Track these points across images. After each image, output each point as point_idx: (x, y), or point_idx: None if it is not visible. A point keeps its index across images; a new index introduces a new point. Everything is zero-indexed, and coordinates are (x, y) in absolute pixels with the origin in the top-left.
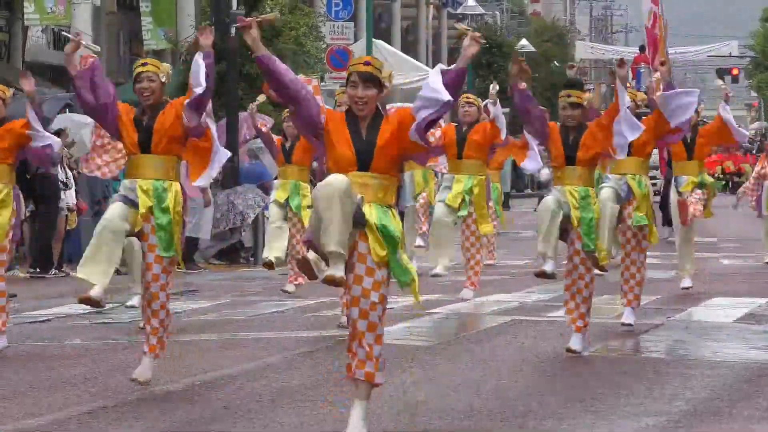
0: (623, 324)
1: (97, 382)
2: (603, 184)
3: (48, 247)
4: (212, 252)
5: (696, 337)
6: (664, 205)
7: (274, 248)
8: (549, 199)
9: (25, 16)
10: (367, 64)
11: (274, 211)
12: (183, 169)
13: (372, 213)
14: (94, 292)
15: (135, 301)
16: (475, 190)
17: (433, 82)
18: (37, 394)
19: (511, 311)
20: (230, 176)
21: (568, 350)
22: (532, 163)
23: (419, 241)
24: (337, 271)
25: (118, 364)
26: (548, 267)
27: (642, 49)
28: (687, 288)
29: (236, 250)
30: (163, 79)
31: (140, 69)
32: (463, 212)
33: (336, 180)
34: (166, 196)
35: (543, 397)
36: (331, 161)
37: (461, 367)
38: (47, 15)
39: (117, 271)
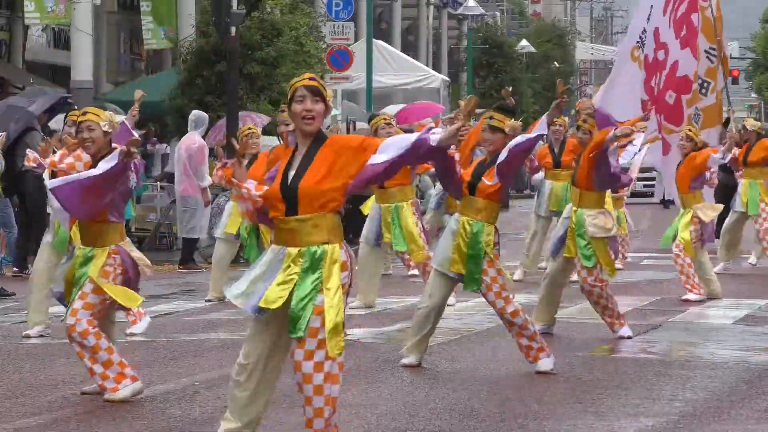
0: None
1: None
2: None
3: (27, 244)
4: (212, 252)
5: (695, 338)
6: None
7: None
8: None
9: (26, 16)
10: (312, 79)
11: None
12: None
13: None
14: None
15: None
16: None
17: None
18: (37, 394)
19: None
20: None
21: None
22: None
23: None
24: None
25: None
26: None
27: None
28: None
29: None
30: (105, 128)
31: (81, 118)
32: (400, 247)
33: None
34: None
35: (543, 397)
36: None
37: (461, 367)
38: (47, 14)
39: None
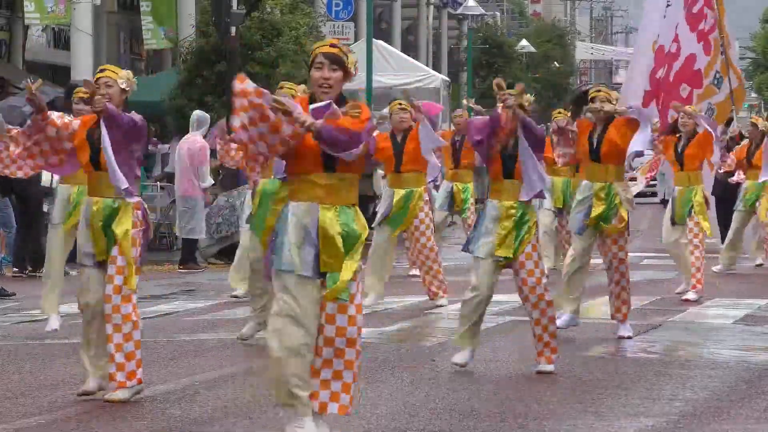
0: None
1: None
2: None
3: (26, 245)
4: (212, 252)
5: (695, 338)
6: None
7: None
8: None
9: (26, 16)
10: (333, 46)
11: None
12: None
13: (333, 223)
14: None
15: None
16: (414, 203)
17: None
18: (37, 394)
19: (511, 312)
20: (229, 176)
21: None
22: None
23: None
24: None
25: None
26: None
27: None
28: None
29: (236, 249)
30: (123, 85)
31: (98, 75)
32: (393, 226)
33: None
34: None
35: (543, 397)
36: (291, 158)
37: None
38: (47, 14)
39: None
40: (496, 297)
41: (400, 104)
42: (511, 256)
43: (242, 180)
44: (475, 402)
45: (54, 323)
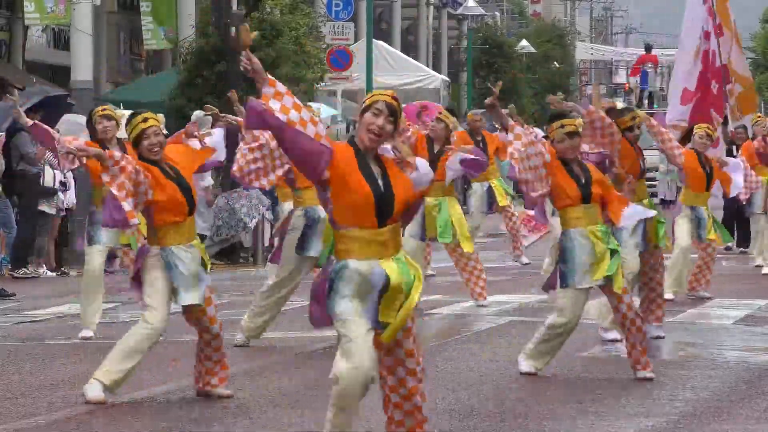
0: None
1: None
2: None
3: (24, 243)
4: (212, 252)
5: (696, 339)
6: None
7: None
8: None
9: (25, 16)
10: (394, 98)
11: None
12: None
13: (395, 274)
14: None
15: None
16: (451, 212)
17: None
18: (37, 394)
19: (511, 312)
20: (229, 176)
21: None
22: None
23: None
24: None
25: None
26: None
27: (648, 48)
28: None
29: (236, 250)
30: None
31: (142, 125)
32: (446, 239)
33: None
34: None
35: (543, 397)
36: (344, 208)
37: (461, 367)
38: (47, 15)
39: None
40: (496, 297)
41: (440, 113)
42: (607, 274)
43: None
44: (475, 402)
45: (87, 332)
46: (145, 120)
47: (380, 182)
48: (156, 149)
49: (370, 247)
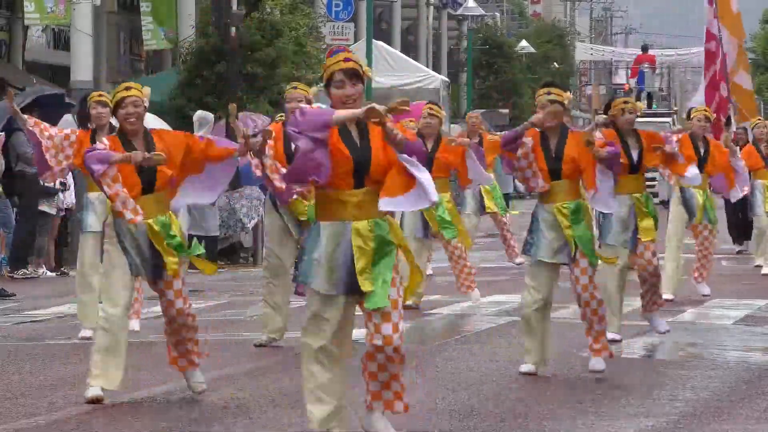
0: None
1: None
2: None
3: (23, 243)
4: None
5: (696, 339)
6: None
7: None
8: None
9: (25, 16)
10: (347, 60)
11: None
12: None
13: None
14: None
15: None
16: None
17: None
18: (37, 394)
19: (511, 312)
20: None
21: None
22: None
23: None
24: None
25: None
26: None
27: (644, 49)
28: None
29: (236, 250)
30: (146, 104)
31: (125, 93)
32: (451, 235)
33: None
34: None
35: (543, 397)
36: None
37: (461, 367)
38: (47, 15)
39: None
40: (496, 297)
41: (431, 109)
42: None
43: (243, 180)
44: (475, 402)
45: (86, 332)
46: (128, 89)
47: (359, 144)
48: (132, 119)
49: (346, 209)
